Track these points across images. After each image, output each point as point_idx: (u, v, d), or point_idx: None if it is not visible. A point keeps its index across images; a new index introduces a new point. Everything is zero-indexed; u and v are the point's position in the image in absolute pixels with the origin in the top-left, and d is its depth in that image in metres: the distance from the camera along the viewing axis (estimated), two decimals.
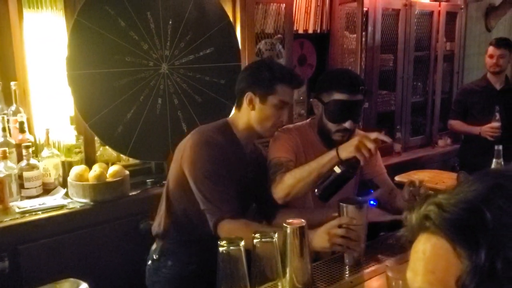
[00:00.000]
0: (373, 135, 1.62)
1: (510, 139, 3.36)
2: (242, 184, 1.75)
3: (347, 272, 1.57)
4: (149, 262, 1.84)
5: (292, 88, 1.75)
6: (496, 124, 3.23)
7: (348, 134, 1.85)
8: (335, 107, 1.80)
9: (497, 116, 3.23)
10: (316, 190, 1.66)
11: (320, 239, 1.49)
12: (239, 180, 1.73)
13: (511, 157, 3.35)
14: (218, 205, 1.60)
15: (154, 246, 1.85)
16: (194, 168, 1.65)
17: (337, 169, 1.62)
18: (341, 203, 1.56)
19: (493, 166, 2.29)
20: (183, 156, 1.69)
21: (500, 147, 2.30)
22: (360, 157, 1.59)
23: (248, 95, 1.71)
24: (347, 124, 1.81)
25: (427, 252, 0.59)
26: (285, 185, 1.72)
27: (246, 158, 1.79)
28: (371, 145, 1.59)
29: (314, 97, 1.90)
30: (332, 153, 1.66)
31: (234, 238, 1.31)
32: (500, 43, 3.38)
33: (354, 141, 1.62)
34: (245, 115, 1.74)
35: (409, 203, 1.73)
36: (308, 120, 2.03)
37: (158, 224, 1.81)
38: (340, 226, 1.48)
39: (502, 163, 2.27)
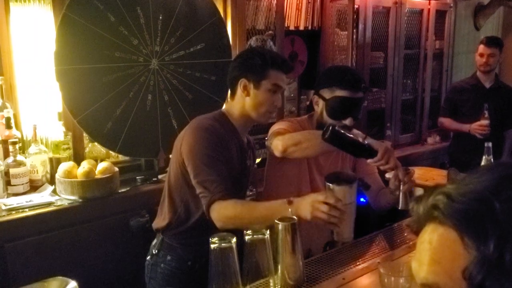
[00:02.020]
0: (401, 171, 1.65)
1: (498, 136, 3.40)
2: (240, 171, 1.79)
3: (339, 269, 1.56)
4: (148, 257, 1.85)
5: (283, 73, 1.76)
6: (485, 122, 3.26)
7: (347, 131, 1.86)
8: (336, 103, 1.83)
9: (486, 114, 3.26)
10: (329, 126, 1.63)
11: (304, 208, 1.48)
12: (237, 167, 1.77)
13: (501, 154, 3.39)
14: (210, 188, 1.61)
15: (154, 241, 1.86)
16: (192, 153, 1.67)
17: (360, 138, 1.63)
18: (328, 183, 1.53)
19: (482, 163, 2.30)
20: (182, 144, 1.71)
21: (490, 144, 2.31)
22: (380, 155, 1.60)
23: (242, 82, 1.73)
24: (347, 121, 1.84)
25: (434, 242, 0.58)
26: (299, 135, 1.74)
27: (244, 146, 1.83)
28: (393, 162, 1.62)
29: (315, 94, 1.91)
30: (361, 133, 1.69)
31: (226, 234, 1.30)
32: (491, 42, 3.41)
33: (390, 149, 1.66)
34: (240, 102, 1.76)
35: (394, 192, 1.74)
36: (305, 116, 2.05)
37: (162, 219, 1.82)
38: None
39: (492, 160, 2.28)
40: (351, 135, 1.64)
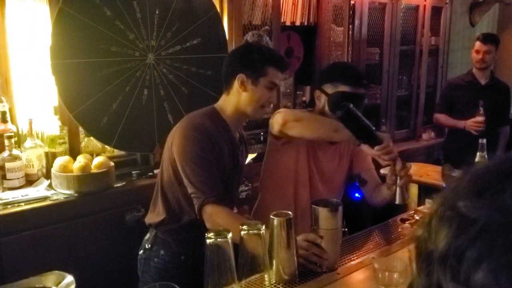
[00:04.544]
0: (400, 163, 1.65)
1: (493, 133, 3.42)
2: (231, 167, 1.79)
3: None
4: (141, 251, 1.86)
5: (280, 70, 1.77)
6: (480, 118, 3.28)
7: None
8: (339, 98, 1.83)
9: (481, 110, 3.27)
10: (344, 104, 1.62)
11: None
12: (228, 164, 1.77)
13: (495, 150, 3.42)
14: (203, 189, 1.62)
15: (147, 236, 1.87)
16: (182, 153, 1.67)
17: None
18: (313, 206, 1.51)
19: (477, 159, 2.32)
20: (173, 143, 1.72)
21: (484, 140, 2.33)
22: (386, 143, 1.61)
23: (240, 77, 1.72)
24: None
25: None
26: (302, 113, 1.76)
27: (235, 142, 1.82)
28: (395, 153, 1.63)
29: (317, 88, 1.92)
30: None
31: (221, 230, 1.30)
32: (487, 38, 3.41)
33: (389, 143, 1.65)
34: (235, 98, 1.76)
35: (390, 187, 1.75)
36: (305, 111, 2.05)
37: (155, 214, 1.83)
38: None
39: (486, 156, 2.30)
40: (365, 119, 1.62)
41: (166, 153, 1.77)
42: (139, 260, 1.86)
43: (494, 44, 3.41)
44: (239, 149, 1.85)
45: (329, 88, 1.87)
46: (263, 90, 1.73)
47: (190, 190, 1.65)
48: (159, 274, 1.80)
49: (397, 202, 1.69)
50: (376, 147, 1.62)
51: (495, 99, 3.46)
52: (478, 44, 3.42)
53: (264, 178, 2.06)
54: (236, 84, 1.74)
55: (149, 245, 1.82)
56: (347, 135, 1.65)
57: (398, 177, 1.68)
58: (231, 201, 1.89)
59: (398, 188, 1.68)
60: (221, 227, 1.53)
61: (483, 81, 3.51)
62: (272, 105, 1.82)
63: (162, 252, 1.80)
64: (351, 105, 1.60)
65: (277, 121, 1.77)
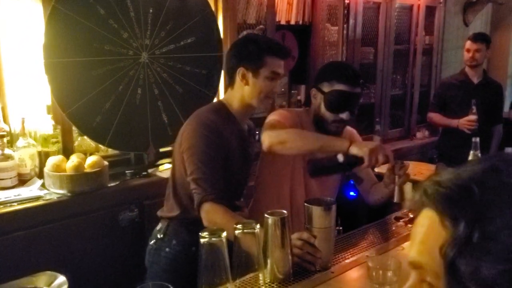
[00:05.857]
0: (391, 158, 1.64)
1: (486, 132, 3.44)
2: (241, 159, 1.80)
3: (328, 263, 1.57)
4: (152, 241, 1.84)
5: (280, 59, 1.77)
6: (472, 117, 3.30)
7: (343, 126, 1.91)
8: (335, 97, 1.85)
9: (474, 109, 3.30)
10: (309, 163, 1.69)
11: None
12: (237, 156, 1.77)
13: (488, 149, 3.43)
14: (203, 186, 1.62)
15: (158, 226, 1.86)
16: (188, 148, 1.68)
17: (340, 158, 1.63)
18: (306, 204, 1.50)
19: (470, 158, 2.33)
20: (182, 140, 1.72)
21: (478, 139, 2.34)
22: (367, 161, 1.59)
23: (241, 71, 1.73)
24: (344, 115, 1.86)
25: (424, 225, 0.63)
26: (285, 134, 1.74)
27: (244, 134, 1.83)
28: (381, 158, 1.60)
29: (313, 87, 1.93)
30: (345, 142, 1.65)
31: (216, 229, 1.30)
32: (477, 37, 3.47)
33: (372, 144, 1.65)
34: (239, 91, 1.77)
35: (388, 186, 1.75)
36: (302, 109, 2.05)
37: (168, 209, 1.83)
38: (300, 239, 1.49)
39: (479, 155, 2.31)
40: (328, 161, 1.68)
41: (176, 149, 1.78)
42: (149, 251, 1.85)
43: (484, 43, 3.46)
44: (249, 141, 1.86)
45: (326, 87, 1.88)
46: (265, 81, 1.73)
47: (191, 185, 1.66)
48: (169, 265, 1.79)
49: (395, 200, 1.70)
50: (362, 166, 1.63)
51: (487, 98, 3.48)
52: (468, 43, 3.49)
53: (260, 176, 2.05)
54: (238, 78, 1.75)
55: (161, 235, 1.81)
56: (331, 152, 1.67)
57: (396, 176, 1.68)
58: (241, 193, 1.91)
59: (396, 187, 1.69)
60: (217, 225, 1.53)
61: (475, 80, 3.54)
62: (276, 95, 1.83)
63: (174, 242, 1.80)
64: (312, 161, 1.70)
65: (263, 143, 1.78)
